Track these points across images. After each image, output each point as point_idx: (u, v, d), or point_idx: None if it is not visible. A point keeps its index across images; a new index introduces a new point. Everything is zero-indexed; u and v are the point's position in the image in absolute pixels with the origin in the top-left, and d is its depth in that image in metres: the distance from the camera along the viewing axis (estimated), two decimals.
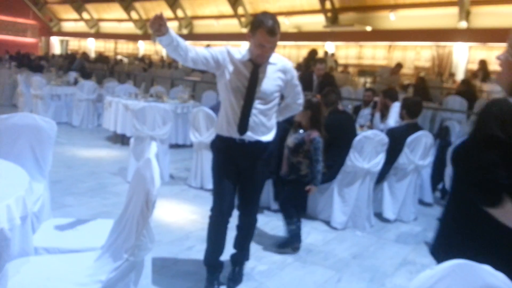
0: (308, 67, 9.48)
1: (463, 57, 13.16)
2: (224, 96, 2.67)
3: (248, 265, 3.15)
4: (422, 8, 13.56)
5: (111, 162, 5.95)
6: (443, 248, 1.67)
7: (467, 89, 8.77)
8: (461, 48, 13.11)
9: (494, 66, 12.27)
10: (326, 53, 14.64)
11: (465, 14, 12.64)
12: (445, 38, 13.12)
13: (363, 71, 14.73)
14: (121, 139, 7.15)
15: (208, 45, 18.50)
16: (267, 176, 4.41)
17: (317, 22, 15.92)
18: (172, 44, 2.35)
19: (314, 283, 3.07)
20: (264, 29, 2.46)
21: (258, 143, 2.67)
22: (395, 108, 5.20)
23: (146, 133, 4.94)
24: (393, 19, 14.09)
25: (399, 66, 11.30)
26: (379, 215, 4.48)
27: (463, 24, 12.72)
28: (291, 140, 3.45)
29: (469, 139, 1.56)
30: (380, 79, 11.56)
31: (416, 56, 14.42)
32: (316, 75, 6.10)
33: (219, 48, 2.61)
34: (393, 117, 5.15)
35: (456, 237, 1.61)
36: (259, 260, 3.34)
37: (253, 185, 2.78)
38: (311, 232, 3.99)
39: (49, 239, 2.31)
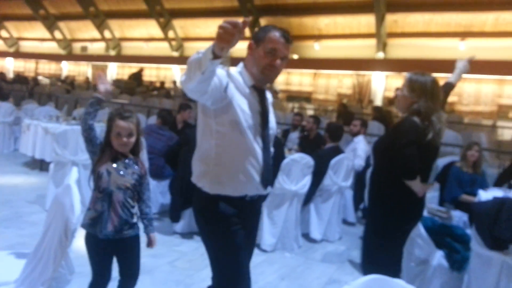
0: None
1: (381, 85, 14.19)
2: (228, 140, 1.90)
3: None
4: (344, 39, 14.50)
5: (28, 190, 5.56)
6: (369, 208, 2.74)
7: (381, 115, 9.48)
8: (378, 77, 14.14)
9: None
10: None
11: (382, 46, 13.70)
12: (364, 68, 14.09)
13: (291, 96, 15.33)
14: (40, 165, 6.74)
15: (141, 69, 18.29)
16: None
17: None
18: (216, 68, 1.66)
19: None
20: (275, 32, 1.93)
21: (263, 196, 2.09)
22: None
23: (68, 158, 4.71)
24: (318, 49, 14.89)
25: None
26: (306, 236, 4.61)
27: (380, 55, 13.77)
28: (126, 177, 2.30)
29: (389, 140, 2.60)
30: None
31: (338, 83, 15.30)
32: None
33: (219, 71, 1.82)
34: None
35: (376, 198, 2.66)
36: (188, 287, 3.28)
37: (252, 250, 2.16)
38: None
39: None
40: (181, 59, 18.60)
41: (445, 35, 12.95)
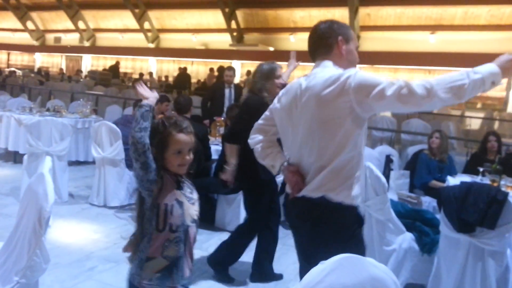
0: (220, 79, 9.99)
1: None
2: (361, 146, 1.84)
3: None
4: None
5: (2, 182, 5.45)
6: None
7: None
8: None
9: None
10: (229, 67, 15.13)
11: (356, 38, 13.86)
12: None
13: None
14: (14, 157, 6.61)
15: (118, 61, 17.98)
16: None
17: (224, 40, 16.28)
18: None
19: None
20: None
21: None
22: None
23: (42, 149, 4.64)
24: (293, 41, 14.93)
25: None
26: (283, 222, 4.66)
27: None
28: (195, 204, 1.82)
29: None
30: None
31: None
32: (226, 82, 6.44)
33: None
34: None
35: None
36: None
37: None
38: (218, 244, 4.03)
39: None
40: (157, 51, 18.37)
41: (416, 28, 13.20)
